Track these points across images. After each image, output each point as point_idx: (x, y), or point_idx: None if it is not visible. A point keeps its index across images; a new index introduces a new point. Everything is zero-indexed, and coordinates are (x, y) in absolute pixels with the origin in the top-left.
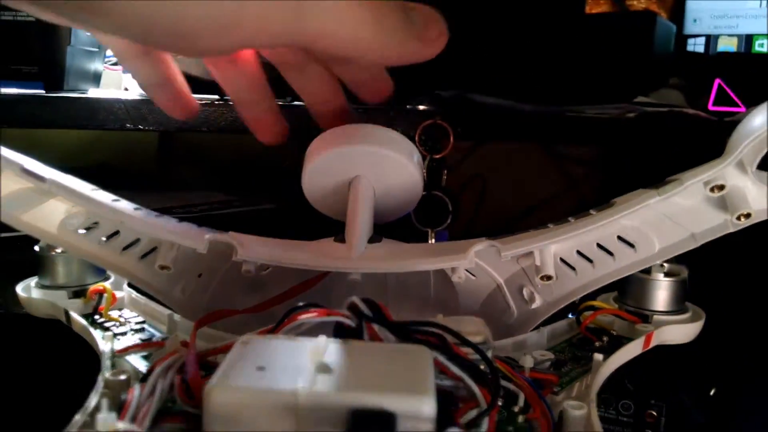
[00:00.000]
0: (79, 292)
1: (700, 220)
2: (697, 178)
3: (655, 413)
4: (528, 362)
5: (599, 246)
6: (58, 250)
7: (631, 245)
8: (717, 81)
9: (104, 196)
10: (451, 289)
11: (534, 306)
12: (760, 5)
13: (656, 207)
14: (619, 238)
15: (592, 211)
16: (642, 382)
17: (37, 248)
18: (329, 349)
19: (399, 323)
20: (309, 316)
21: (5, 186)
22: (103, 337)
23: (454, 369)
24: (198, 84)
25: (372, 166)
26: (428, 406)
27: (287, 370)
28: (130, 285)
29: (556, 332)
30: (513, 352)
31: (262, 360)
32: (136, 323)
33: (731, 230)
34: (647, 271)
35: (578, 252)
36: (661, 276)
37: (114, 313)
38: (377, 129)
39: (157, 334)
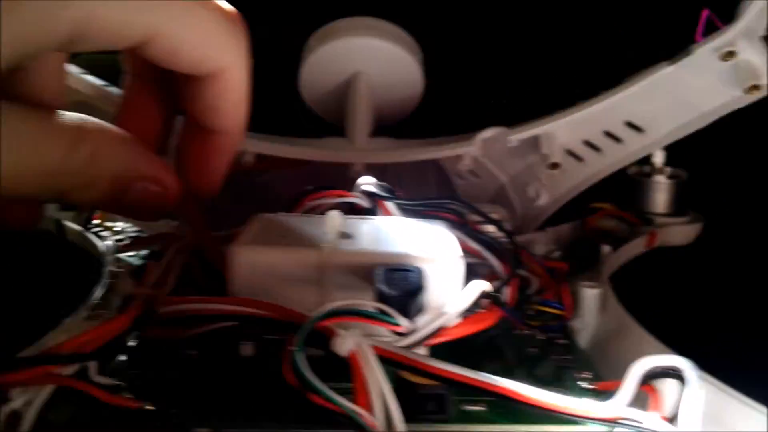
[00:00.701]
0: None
1: (710, 96)
2: (708, 44)
3: None
4: (540, 250)
5: (606, 133)
6: None
7: (639, 129)
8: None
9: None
10: (451, 189)
11: (540, 203)
12: None
13: (666, 82)
14: (627, 123)
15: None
16: None
17: None
18: (346, 222)
19: (414, 201)
20: (322, 198)
21: None
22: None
23: (473, 244)
24: None
25: (372, 60)
26: (457, 261)
27: (308, 237)
28: None
29: (561, 234)
30: None
31: (281, 231)
32: (133, 232)
33: (741, 105)
34: (648, 174)
35: (585, 141)
36: (662, 178)
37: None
38: (379, 22)
39: None
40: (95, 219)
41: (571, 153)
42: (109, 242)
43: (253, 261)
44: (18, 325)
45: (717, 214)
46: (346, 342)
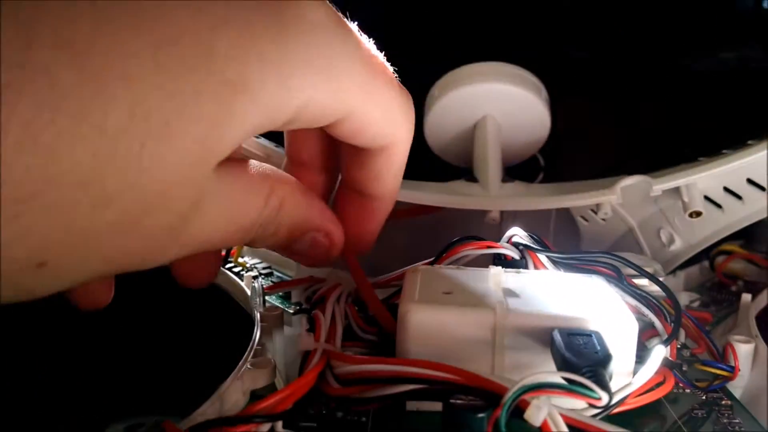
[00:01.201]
0: None
1: None
2: None
3: None
4: (684, 299)
5: (749, 181)
6: None
7: None
8: None
9: None
10: (573, 233)
11: (673, 248)
12: None
13: None
14: None
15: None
16: None
17: None
18: (507, 277)
19: (567, 254)
20: (470, 249)
21: None
22: (240, 276)
23: (631, 300)
24: None
25: (498, 104)
26: (632, 325)
27: (475, 294)
28: None
29: (691, 277)
30: None
31: (445, 286)
32: (263, 268)
33: None
34: None
35: (725, 189)
36: None
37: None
38: (502, 66)
39: (285, 278)
40: (232, 254)
41: (709, 200)
42: (255, 284)
43: (427, 320)
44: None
45: None
46: (542, 412)
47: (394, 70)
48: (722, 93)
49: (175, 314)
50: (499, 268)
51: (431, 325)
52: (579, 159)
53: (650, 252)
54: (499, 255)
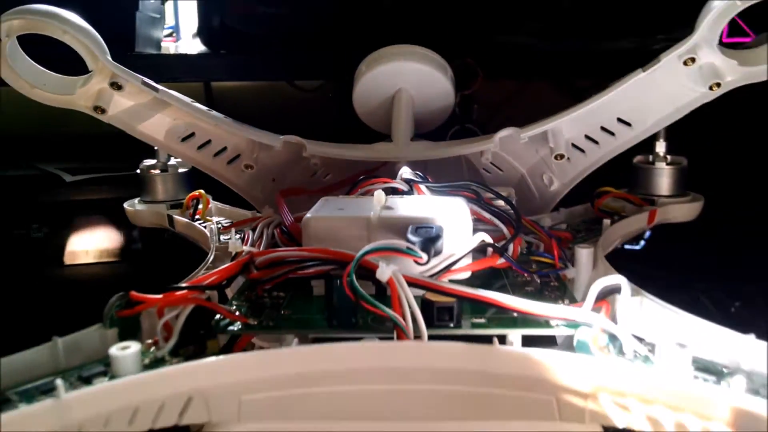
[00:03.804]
0: (175, 206)
1: (682, 94)
2: (672, 53)
3: None
4: (546, 222)
5: (603, 129)
6: (156, 171)
7: (628, 124)
8: None
9: (201, 107)
10: (480, 180)
11: (553, 188)
12: None
13: (644, 85)
14: (618, 119)
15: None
16: None
17: (138, 170)
18: (389, 200)
19: (441, 184)
20: (371, 184)
21: (131, 98)
22: (205, 227)
23: (486, 214)
24: None
25: (411, 78)
26: (467, 221)
27: (359, 208)
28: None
29: (574, 213)
30: None
31: (339, 206)
32: (226, 223)
33: (707, 100)
34: (651, 162)
35: (586, 136)
36: (663, 165)
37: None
38: (415, 48)
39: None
40: (198, 214)
41: (575, 146)
42: (213, 226)
43: (321, 225)
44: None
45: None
46: (386, 271)
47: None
48: None
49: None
50: (382, 192)
51: (324, 228)
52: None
53: (537, 193)
54: (393, 188)
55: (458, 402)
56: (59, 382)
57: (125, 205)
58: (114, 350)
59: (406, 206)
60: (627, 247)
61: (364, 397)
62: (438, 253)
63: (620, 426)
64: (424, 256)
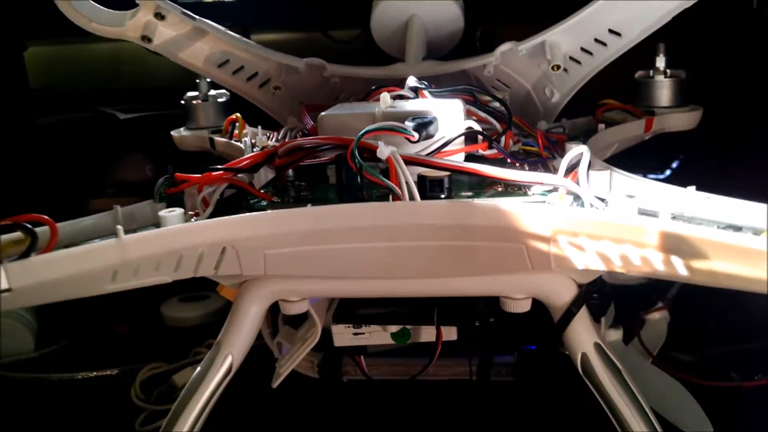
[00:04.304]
0: (216, 131)
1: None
2: None
3: None
4: (543, 126)
5: (596, 40)
6: (198, 101)
7: (618, 34)
8: None
9: (234, 35)
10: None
11: (554, 100)
12: None
13: None
14: (610, 30)
15: None
16: None
17: (182, 101)
18: (395, 102)
19: (441, 89)
20: (382, 92)
21: (173, 28)
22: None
23: (482, 113)
24: None
25: (423, 6)
26: (459, 110)
27: (368, 108)
28: None
29: (577, 125)
30: None
31: (351, 108)
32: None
33: (687, 5)
34: (651, 76)
35: (581, 48)
36: (662, 78)
37: None
38: None
39: None
40: (235, 137)
41: (572, 58)
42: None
43: (333, 122)
44: None
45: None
46: (385, 151)
47: None
48: None
49: None
50: (387, 94)
51: (336, 123)
52: None
53: (541, 107)
54: (401, 96)
55: (445, 258)
56: (119, 226)
57: (172, 132)
58: (163, 212)
59: (409, 106)
60: (650, 176)
61: (367, 253)
62: (431, 136)
63: (579, 267)
64: (415, 135)
